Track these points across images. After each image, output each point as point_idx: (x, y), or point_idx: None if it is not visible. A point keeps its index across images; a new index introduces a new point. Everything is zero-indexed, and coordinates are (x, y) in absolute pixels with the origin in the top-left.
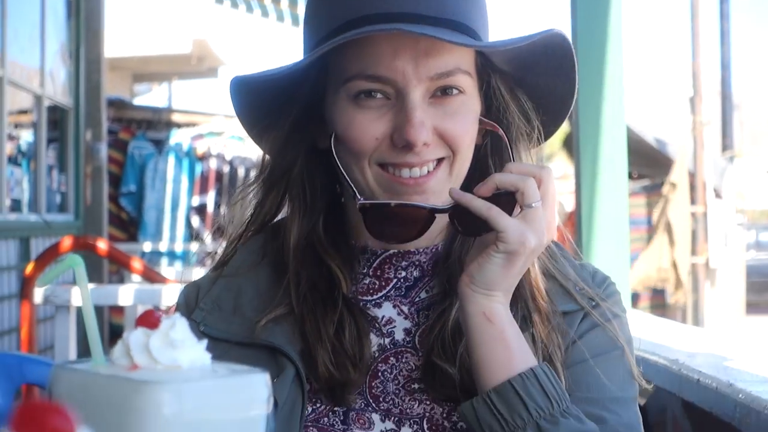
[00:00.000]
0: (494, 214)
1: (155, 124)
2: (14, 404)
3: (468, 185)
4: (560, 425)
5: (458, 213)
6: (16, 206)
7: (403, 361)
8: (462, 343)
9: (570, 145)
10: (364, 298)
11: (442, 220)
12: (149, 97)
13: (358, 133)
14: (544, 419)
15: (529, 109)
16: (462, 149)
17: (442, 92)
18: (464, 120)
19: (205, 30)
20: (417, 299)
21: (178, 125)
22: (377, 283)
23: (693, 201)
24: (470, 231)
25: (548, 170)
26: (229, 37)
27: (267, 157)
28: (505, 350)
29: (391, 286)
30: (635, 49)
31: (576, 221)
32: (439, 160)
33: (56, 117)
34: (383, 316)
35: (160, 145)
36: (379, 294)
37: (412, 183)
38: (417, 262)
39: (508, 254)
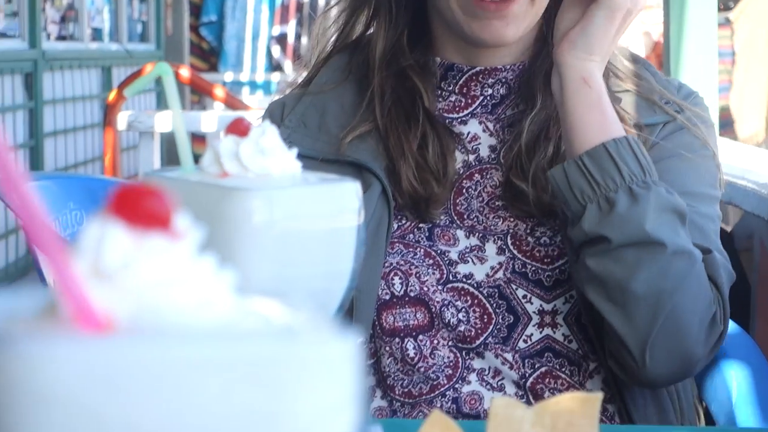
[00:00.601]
0: None
1: None
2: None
3: (549, 16)
4: (652, 191)
5: None
6: (97, 36)
7: (488, 177)
8: (535, 159)
9: None
10: (450, 115)
11: (528, 37)
12: None
13: None
14: (636, 184)
15: None
16: None
17: None
18: None
19: None
20: (503, 116)
21: None
22: (463, 100)
23: None
24: None
25: None
26: None
27: None
28: (601, 115)
29: (477, 103)
30: None
31: (663, 51)
32: None
33: None
34: (469, 133)
35: None
36: (465, 111)
37: (493, 8)
38: (504, 79)
39: (611, 11)
